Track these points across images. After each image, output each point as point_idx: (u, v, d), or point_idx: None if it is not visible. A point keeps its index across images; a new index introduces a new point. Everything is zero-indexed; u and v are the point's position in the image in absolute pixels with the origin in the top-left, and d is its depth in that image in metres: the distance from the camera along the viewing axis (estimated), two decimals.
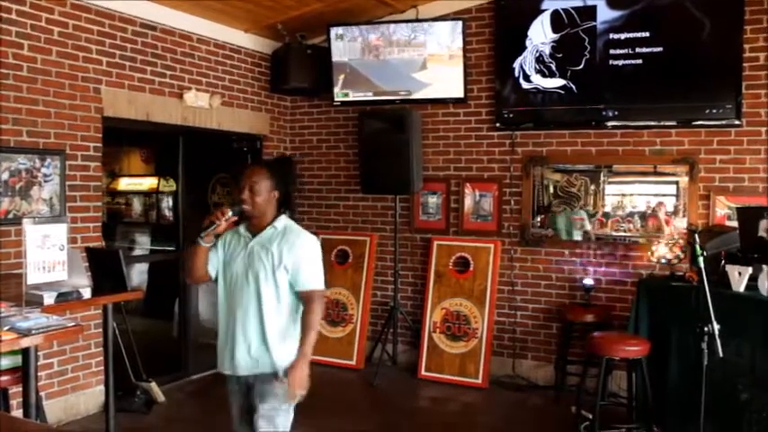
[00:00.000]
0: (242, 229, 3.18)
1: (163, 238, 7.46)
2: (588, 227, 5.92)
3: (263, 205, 3.10)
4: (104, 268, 4.39)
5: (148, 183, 8.43)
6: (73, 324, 3.39)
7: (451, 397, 5.82)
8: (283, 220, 3.17)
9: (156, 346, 6.35)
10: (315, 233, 6.87)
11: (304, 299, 3.12)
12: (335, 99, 6.56)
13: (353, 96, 6.50)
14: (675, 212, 5.66)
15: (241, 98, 6.58)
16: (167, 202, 7.96)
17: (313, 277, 3.14)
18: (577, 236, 5.96)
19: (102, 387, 4.92)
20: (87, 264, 4.43)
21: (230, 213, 3.03)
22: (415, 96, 6.31)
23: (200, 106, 6.07)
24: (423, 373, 6.24)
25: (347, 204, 6.96)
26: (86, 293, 4.03)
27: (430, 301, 6.33)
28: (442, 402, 5.72)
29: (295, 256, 3.08)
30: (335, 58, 6.43)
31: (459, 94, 6.19)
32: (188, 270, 3.17)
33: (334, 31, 6.40)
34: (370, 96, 6.45)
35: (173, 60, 5.84)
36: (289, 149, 7.22)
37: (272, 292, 3.08)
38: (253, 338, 3.09)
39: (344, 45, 6.41)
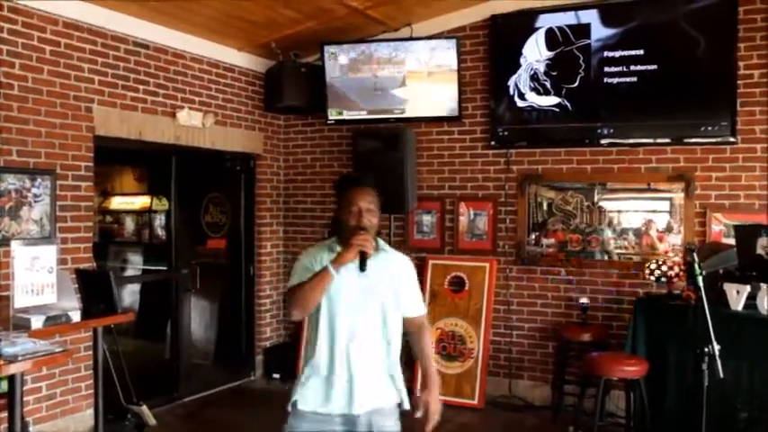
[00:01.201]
0: (338, 248, 2.81)
1: (155, 257, 7.39)
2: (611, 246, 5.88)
3: (377, 228, 2.88)
4: (95, 290, 4.34)
5: (141, 201, 8.36)
6: (60, 350, 3.34)
7: (447, 418, 5.69)
8: (381, 242, 2.93)
9: (147, 367, 6.25)
10: None
11: (415, 324, 2.93)
12: (329, 118, 6.52)
13: (347, 115, 6.46)
14: (670, 230, 5.63)
15: (234, 117, 6.55)
16: (160, 221, 7.90)
17: (421, 301, 3.00)
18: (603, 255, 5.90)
19: (92, 411, 4.83)
20: (77, 285, 4.37)
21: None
22: (409, 115, 6.28)
23: (193, 125, 6.03)
24: (418, 393, 6.14)
25: None
26: (75, 317, 3.97)
27: None
28: (439, 424, 5.62)
29: (406, 280, 2.92)
30: (329, 76, 6.40)
31: (454, 112, 6.16)
32: (305, 302, 2.72)
33: (328, 50, 6.37)
34: (364, 115, 6.42)
35: (165, 79, 5.81)
36: (282, 168, 7.17)
37: (395, 320, 2.84)
38: (377, 370, 2.82)
39: (337, 63, 6.38)
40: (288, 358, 6.77)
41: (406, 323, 2.90)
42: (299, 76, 6.51)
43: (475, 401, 5.94)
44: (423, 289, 6.21)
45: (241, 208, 6.93)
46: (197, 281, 6.37)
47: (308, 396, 2.81)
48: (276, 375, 6.80)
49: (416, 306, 2.94)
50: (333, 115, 6.49)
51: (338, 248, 2.79)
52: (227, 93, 6.45)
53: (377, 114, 6.37)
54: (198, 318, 6.57)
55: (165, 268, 6.46)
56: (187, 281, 6.31)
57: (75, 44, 5.04)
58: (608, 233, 5.86)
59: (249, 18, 5.74)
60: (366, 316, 2.77)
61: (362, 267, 2.70)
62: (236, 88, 6.56)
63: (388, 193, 5.89)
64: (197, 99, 6.12)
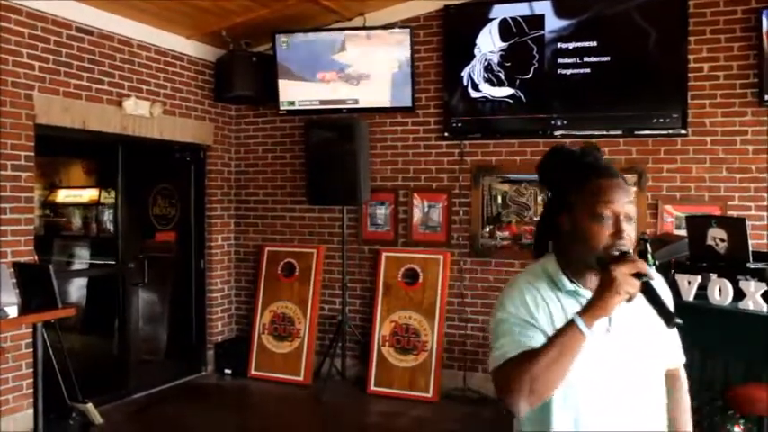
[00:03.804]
0: (572, 286, 1.79)
1: (103, 251, 7.18)
2: None
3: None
4: (34, 284, 4.18)
5: (89, 194, 8.14)
6: None
7: (402, 411, 5.69)
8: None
9: (94, 364, 6.06)
10: (259, 246, 6.83)
11: (673, 378, 1.99)
12: (281, 108, 6.40)
13: (299, 105, 6.35)
14: None
15: (184, 107, 6.39)
16: (108, 215, 7.70)
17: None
18: None
19: (33, 410, 4.66)
20: (16, 280, 4.20)
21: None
22: (363, 105, 6.20)
23: (140, 115, 5.86)
24: (372, 387, 6.10)
25: (293, 216, 6.81)
26: (12, 312, 3.82)
27: (378, 314, 6.20)
28: (391, 417, 5.59)
29: None
30: (281, 65, 6.28)
31: (407, 103, 6.10)
32: (547, 385, 1.62)
33: (280, 39, 6.26)
34: (316, 105, 6.31)
35: (111, 67, 5.62)
36: (233, 159, 7.03)
37: (660, 379, 1.89)
38: None
39: (290, 52, 6.26)
40: (239, 353, 6.66)
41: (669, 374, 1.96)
42: (250, 66, 6.37)
43: (429, 395, 5.90)
44: (376, 282, 6.19)
45: (191, 200, 6.77)
46: (145, 275, 6.22)
47: None
48: (228, 370, 6.68)
49: (679, 352, 2.00)
50: (284, 105, 6.37)
51: (575, 288, 1.79)
52: (175, 82, 6.28)
53: (330, 105, 6.27)
54: (147, 312, 6.41)
55: (112, 262, 6.28)
56: (135, 275, 6.15)
57: (12, 28, 4.82)
58: None
59: (199, 5, 5.60)
60: (629, 381, 1.78)
61: (670, 320, 1.62)
62: (186, 77, 6.40)
63: (340, 184, 5.95)
64: (144, 88, 5.94)
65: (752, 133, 5.32)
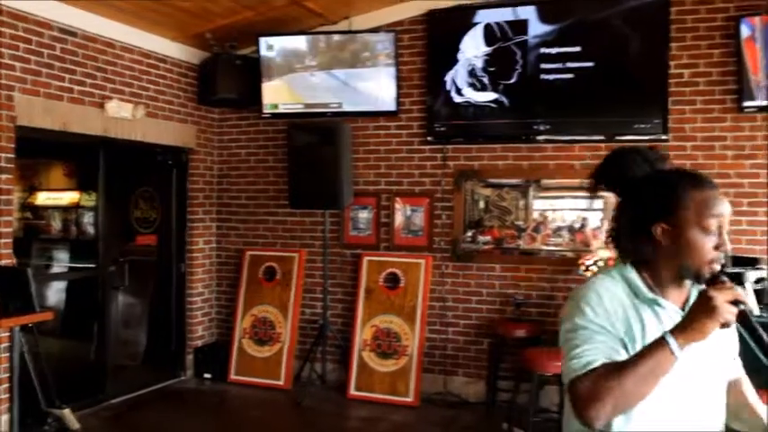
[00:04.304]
0: (653, 296, 1.77)
1: (83, 254, 7.13)
2: None
3: None
4: (12, 288, 4.13)
5: (69, 197, 8.08)
6: None
7: (382, 416, 5.67)
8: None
9: (72, 369, 5.99)
10: (241, 250, 6.80)
11: (736, 386, 1.94)
12: (265, 111, 6.39)
13: (283, 108, 6.34)
14: (603, 226, 5.68)
15: (167, 109, 6.35)
16: (89, 218, 7.64)
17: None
18: (538, 252, 5.90)
19: (8, 415, 4.60)
20: None
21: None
22: (346, 109, 6.19)
23: (122, 117, 5.82)
24: (352, 392, 6.07)
25: (276, 219, 6.78)
26: None
27: (360, 318, 6.18)
28: (372, 422, 5.57)
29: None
30: (265, 68, 6.26)
31: (391, 107, 6.10)
32: (627, 400, 1.61)
33: (265, 42, 6.24)
34: (300, 109, 6.30)
35: (94, 68, 5.58)
36: (216, 163, 7.00)
37: (721, 392, 1.85)
38: None
39: (275, 56, 6.25)
40: (219, 358, 6.61)
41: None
42: (234, 69, 6.35)
43: (410, 399, 5.88)
44: (357, 286, 6.18)
45: (172, 203, 6.73)
46: (125, 278, 6.17)
47: None
48: (207, 375, 6.63)
49: (739, 364, 1.96)
50: (268, 108, 6.36)
51: (656, 298, 1.76)
52: (159, 84, 6.25)
53: (313, 108, 6.26)
54: (126, 316, 6.36)
55: (92, 265, 6.23)
56: (115, 278, 6.09)
57: None
58: (543, 230, 5.87)
59: (183, 7, 5.56)
60: (684, 401, 1.75)
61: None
62: (169, 80, 6.37)
63: (322, 188, 5.93)
64: (127, 90, 5.90)
65: (731, 139, 5.36)
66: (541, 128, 5.74)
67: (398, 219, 6.29)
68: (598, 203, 5.77)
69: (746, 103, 5.22)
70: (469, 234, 6.07)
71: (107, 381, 5.99)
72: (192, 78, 6.60)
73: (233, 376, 6.52)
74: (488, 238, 6.02)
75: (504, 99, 5.80)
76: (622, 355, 1.67)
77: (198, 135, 6.76)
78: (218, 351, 6.73)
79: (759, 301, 4.11)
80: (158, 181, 6.68)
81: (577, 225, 5.79)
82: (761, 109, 5.21)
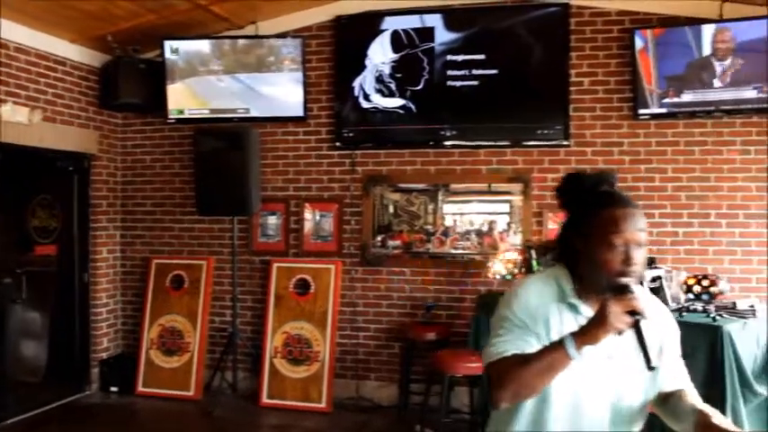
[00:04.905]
0: (575, 301, 1.93)
1: None
2: None
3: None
4: None
5: None
6: None
7: (294, 423, 5.63)
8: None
9: None
10: (147, 258, 6.63)
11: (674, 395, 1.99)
12: (170, 116, 6.25)
13: (189, 114, 6.23)
14: (510, 229, 5.82)
15: (66, 114, 6.13)
16: None
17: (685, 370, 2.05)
18: (447, 255, 5.97)
19: None
20: None
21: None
22: (254, 114, 6.13)
23: (18, 121, 5.57)
24: (264, 400, 6.01)
25: (183, 227, 6.64)
26: None
27: (270, 325, 6.12)
28: (284, 430, 5.52)
29: (670, 338, 2.01)
30: (170, 72, 6.14)
31: (299, 112, 6.08)
32: (525, 389, 1.82)
33: (169, 45, 6.12)
34: (206, 114, 6.20)
35: None
36: (120, 169, 6.80)
37: (639, 408, 1.98)
38: None
39: (179, 60, 6.13)
40: (126, 370, 6.42)
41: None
42: (137, 73, 6.19)
43: (323, 405, 5.86)
44: (267, 293, 6.12)
45: (74, 211, 6.47)
46: (23, 291, 5.90)
47: None
48: (114, 388, 6.42)
49: (679, 379, 2.01)
50: (174, 114, 6.23)
51: (577, 304, 1.92)
52: (57, 87, 6.02)
53: (220, 114, 6.18)
54: (25, 331, 6.09)
55: None
56: (12, 291, 5.82)
57: None
58: (452, 234, 5.97)
59: (83, 8, 5.38)
60: (605, 412, 1.92)
61: (648, 363, 1.76)
62: (69, 83, 6.15)
63: (230, 194, 5.85)
64: (23, 93, 5.66)
65: (628, 144, 5.60)
66: (448, 133, 5.83)
67: (308, 224, 6.27)
68: (504, 207, 5.90)
69: (641, 111, 5.46)
70: (379, 239, 6.11)
71: (6, 399, 5.71)
72: (93, 82, 6.39)
73: (141, 388, 6.34)
74: (398, 242, 6.07)
75: (411, 105, 5.87)
76: (534, 349, 1.83)
77: (100, 141, 6.55)
78: (124, 363, 6.53)
79: None
80: (58, 188, 6.42)
81: (485, 228, 5.91)
82: (654, 116, 5.46)
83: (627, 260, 1.83)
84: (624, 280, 1.81)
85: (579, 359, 1.75)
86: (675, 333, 2.03)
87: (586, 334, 1.75)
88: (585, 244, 1.89)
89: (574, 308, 1.92)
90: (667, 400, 1.97)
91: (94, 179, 6.55)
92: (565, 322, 1.89)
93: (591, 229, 1.88)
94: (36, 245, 6.31)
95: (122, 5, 5.44)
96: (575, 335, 1.76)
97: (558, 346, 1.76)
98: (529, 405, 1.91)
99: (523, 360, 1.79)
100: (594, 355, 1.82)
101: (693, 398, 1.95)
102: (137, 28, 5.88)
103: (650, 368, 1.76)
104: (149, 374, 6.36)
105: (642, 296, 1.80)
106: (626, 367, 1.89)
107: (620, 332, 1.74)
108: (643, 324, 1.75)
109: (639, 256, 1.85)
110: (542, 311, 1.90)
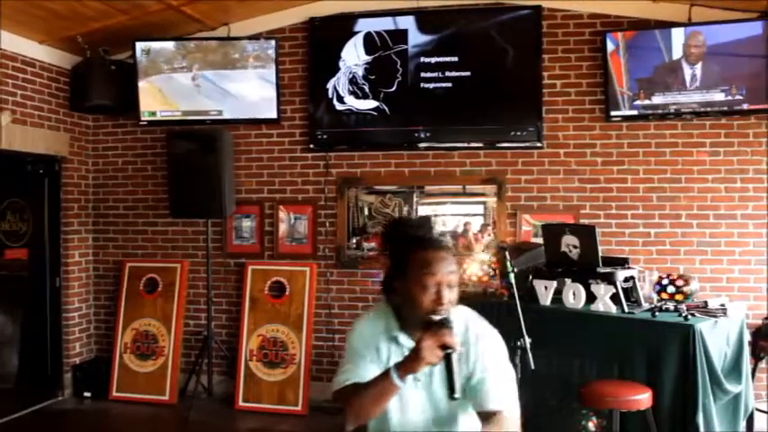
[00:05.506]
0: (398, 334, 2.21)
1: None
2: None
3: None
4: None
5: None
6: None
7: (270, 427, 5.61)
8: (461, 311, 2.25)
9: None
10: (120, 262, 6.57)
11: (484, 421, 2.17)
12: (142, 118, 6.19)
13: (161, 116, 6.17)
14: (484, 231, 5.86)
15: (36, 116, 6.04)
16: None
17: (508, 392, 2.21)
18: None
19: None
20: None
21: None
22: (227, 116, 6.10)
23: None
24: (240, 403, 5.98)
25: (156, 230, 6.59)
26: None
27: (245, 328, 6.10)
28: None
29: (486, 360, 2.19)
30: (141, 74, 6.08)
31: (273, 114, 6.06)
32: (361, 413, 2.11)
33: (141, 47, 6.06)
34: (179, 116, 6.15)
35: None
36: (91, 172, 6.73)
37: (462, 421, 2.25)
38: None
39: (150, 61, 6.08)
40: (100, 374, 6.35)
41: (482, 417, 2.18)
42: (108, 74, 6.12)
43: (299, 408, 5.85)
44: (242, 296, 6.10)
45: (45, 215, 6.40)
46: None
47: None
48: (87, 394, 6.34)
49: (495, 400, 2.16)
50: (146, 116, 6.17)
51: (401, 337, 2.18)
52: (26, 89, 5.93)
53: (193, 116, 6.13)
54: None
55: None
56: None
57: None
58: None
59: (52, 8, 5.29)
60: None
61: (451, 393, 1.99)
62: (38, 85, 6.06)
63: (204, 197, 5.81)
64: None
65: (600, 146, 5.66)
66: (422, 135, 5.85)
67: (282, 227, 6.25)
68: (479, 208, 5.93)
69: (613, 113, 5.51)
70: (354, 241, 6.12)
71: None
72: (63, 84, 6.32)
73: (115, 393, 6.28)
74: (373, 244, 6.08)
75: (385, 107, 5.88)
76: (373, 375, 2.11)
77: (71, 143, 6.47)
78: (98, 368, 6.46)
79: (627, 298, 4.34)
80: (29, 191, 6.35)
81: (460, 230, 5.94)
82: (625, 118, 5.52)
83: (438, 300, 2.07)
84: (436, 317, 2.04)
85: (404, 386, 2.02)
86: (498, 353, 2.23)
87: (406, 365, 2.01)
88: (403, 284, 2.14)
89: (397, 340, 2.19)
90: (487, 419, 2.14)
91: (65, 182, 6.47)
92: (392, 353, 2.18)
93: (407, 270, 2.13)
94: (6, 249, 6.25)
95: (92, 6, 5.36)
96: (398, 365, 2.02)
97: (385, 375, 2.03)
98: (373, 423, 2.23)
99: (360, 388, 2.10)
100: (407, 379, 2.05)
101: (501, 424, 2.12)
102: (107, 29, 5.82)
103: (452, 398, 1.99)
104: (123, 379, 6.30)
105: (461, 326, 2.12)
106: (433, 391, 2.16)
107: (432, 364, 2.00)
108: (454, 357, 1.99)
109: (450, 295, 2.10)
110: (373, 342, 2.19)
